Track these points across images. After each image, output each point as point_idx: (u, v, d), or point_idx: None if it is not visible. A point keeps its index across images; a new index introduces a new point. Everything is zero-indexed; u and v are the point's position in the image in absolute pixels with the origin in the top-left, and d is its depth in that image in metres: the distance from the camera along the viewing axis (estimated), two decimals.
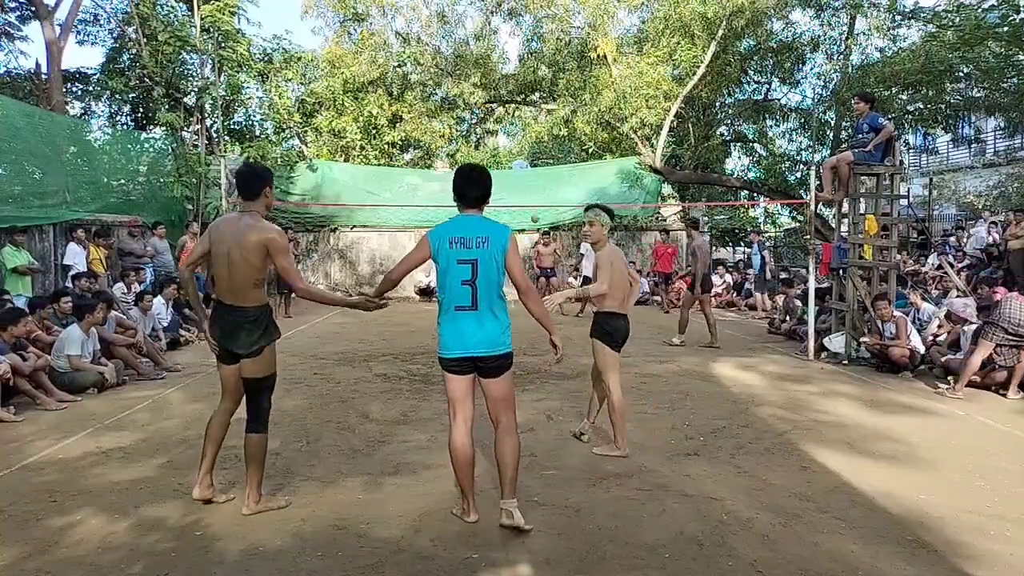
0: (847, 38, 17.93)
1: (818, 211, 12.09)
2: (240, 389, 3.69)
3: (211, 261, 3.65)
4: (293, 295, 14.05)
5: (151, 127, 16.10)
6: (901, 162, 11.42)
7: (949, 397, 6.37)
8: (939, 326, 8.06)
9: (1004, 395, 6.42)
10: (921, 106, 16.90)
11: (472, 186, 3.45)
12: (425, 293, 16.36)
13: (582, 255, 14.50)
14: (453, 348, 3.39)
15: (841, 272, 8.53)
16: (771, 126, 20.63)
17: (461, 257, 3.34)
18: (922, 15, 15.56)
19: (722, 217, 24.79)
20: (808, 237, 9.51)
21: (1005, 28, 11.88)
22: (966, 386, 6.50)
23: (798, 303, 10.39)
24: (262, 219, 3.62)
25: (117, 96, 15.96)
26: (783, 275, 14.79)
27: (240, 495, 3.76)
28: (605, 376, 4.59)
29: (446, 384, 3.50)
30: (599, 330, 4.59)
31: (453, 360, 3.41)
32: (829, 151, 16.91)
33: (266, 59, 17.34)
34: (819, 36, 18.43)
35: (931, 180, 21.77)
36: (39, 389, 5.99)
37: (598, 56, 17.79)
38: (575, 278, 16.57)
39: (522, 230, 16.79)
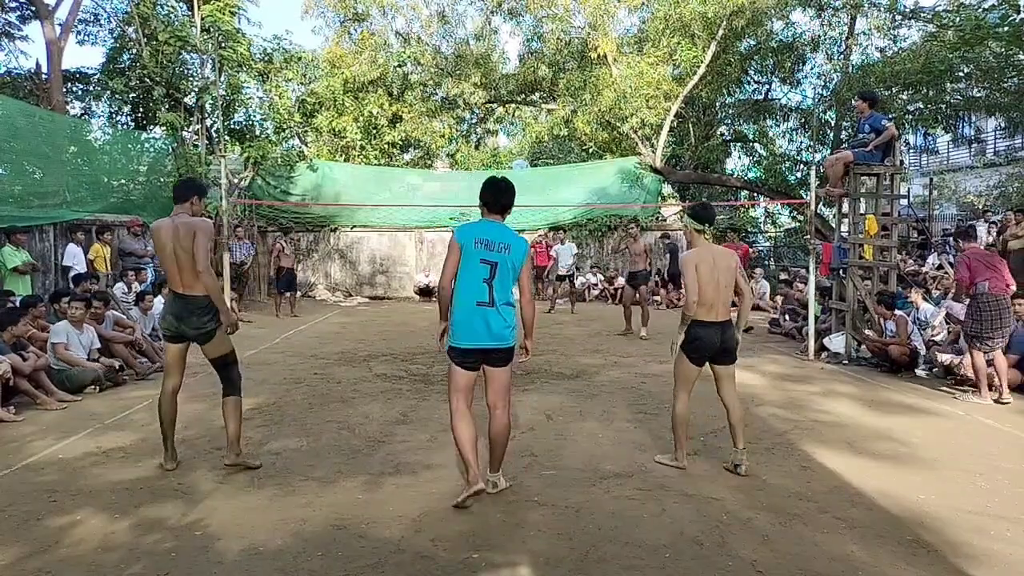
0: (847, 38, 17.96)
1: (818, 211, 12.10)
2: (183, 366, 4.34)
3: (160, 259, 4.30)
4: (299, 294, 14.10)
5: (151, 127, 16.06)
6: (901, 162, 11.42)
7: (981, 404, 6.11)
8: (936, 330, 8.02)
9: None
10: (921, 106, 16.90)
11: (501, 196, 3.86)
12: (425, 293, 16.36)
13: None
14: (468, 339, 3.71)
15: (841, 272, 8.53)
16: (771, 126, 20.67)
17: (484, 257, 3.71)
18: (922, 15, 15.57)
19: (722, 217, 24.76)
20: (808, 237, 9.51)
21: (1005, 28, 11.86)
22: (967, 386, 6.49)
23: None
24: (190, 217, 4.27)
25: (117, 96, 15.90)
26: (783, 275, 14.78)
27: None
28: (674, 385, 4.46)
29: (451, 374, 3.81)
30: (684, 339, 4.41)
31: (466, 351, 3.72)
32: (829, 151, 16.91)
33: (266, 59, 17.28)
34: (819, 36, 18.46)
35: (931, 180, 21.72)
36: (39, 389, 5.99)
37: (598, 56, 17.81)
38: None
39: None
